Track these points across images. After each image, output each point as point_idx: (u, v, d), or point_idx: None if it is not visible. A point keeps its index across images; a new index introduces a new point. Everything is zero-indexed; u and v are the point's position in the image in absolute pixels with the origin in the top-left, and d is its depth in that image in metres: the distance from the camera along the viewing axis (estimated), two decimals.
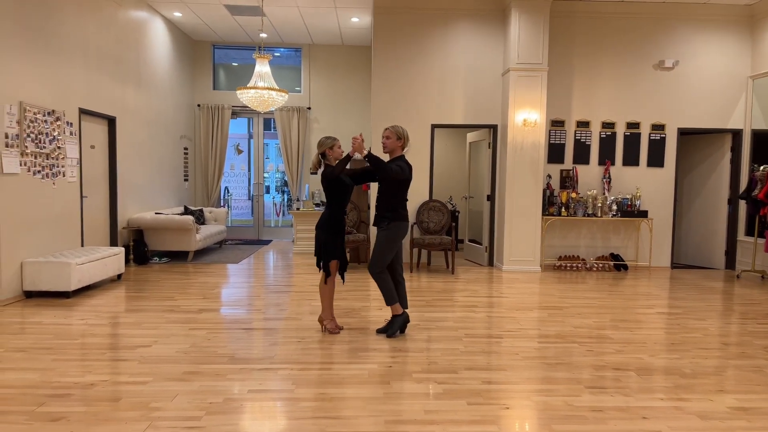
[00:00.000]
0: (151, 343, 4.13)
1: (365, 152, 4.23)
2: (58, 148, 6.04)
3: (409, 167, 4.43)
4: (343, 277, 4.59)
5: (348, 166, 4.42)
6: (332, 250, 4.38)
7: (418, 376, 3.55)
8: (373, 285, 6.41)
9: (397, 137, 4.43)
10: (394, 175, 4.26)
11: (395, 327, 4.39)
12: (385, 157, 4.52)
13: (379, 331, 4.48)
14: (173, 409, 2.98)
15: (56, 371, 3.51)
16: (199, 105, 10.49)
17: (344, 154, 4.36)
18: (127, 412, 2.92)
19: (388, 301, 4.40)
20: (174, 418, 2.86)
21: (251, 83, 8.04)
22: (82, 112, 6.56)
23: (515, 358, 3.95)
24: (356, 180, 4.53)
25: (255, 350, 4.02)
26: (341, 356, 3.92)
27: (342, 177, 4.34)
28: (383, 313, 5.12)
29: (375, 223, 4.49)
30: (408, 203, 4.44)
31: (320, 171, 4.48)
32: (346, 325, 4.72)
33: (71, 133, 6.31)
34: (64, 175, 6.17)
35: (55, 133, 5.97)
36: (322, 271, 4.45)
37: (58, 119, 6.01)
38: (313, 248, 4.66)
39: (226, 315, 5.07)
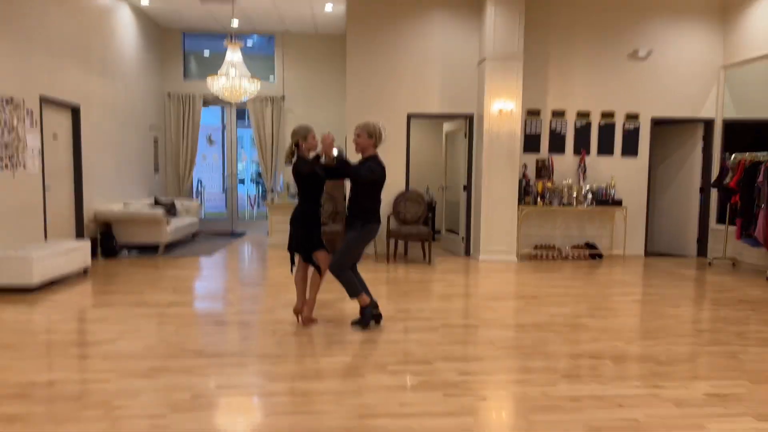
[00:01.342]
0: (116, 339, 3.97)
1: (334, 155, 4.07)
2: (18, 137, 5.78)
3: (381, 168, 4.21)
4: (319, 270, 4.36)
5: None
6: (316, 242, 4.25)
7: (393, 368, 3.47)
8: None
9: (368, 135, 4.20)
10: (362, 179, 4.13)
11: (367, 317, 4.24)
12: (358, 157, 4.33)
13: (354, 323, 4.33)
14: (136, 407, 2.84)
15: (14, 370, 3.34)
16: (169, 94, 10.20)
17: (313, 154, 4.21)
18: (87, 412, 2.77)
19: (352, 294, 4.24)
20: (137, 417, 2.73)
21: (222, 71, 7.83)
22: (44, 100, 6.29)
23: (492, 348, 3.90)
24: (329, 175, 4.30)
25: (225, 344, 3.89)
26: (314, 349, 3.82)
27: (316, 169, 4.17)
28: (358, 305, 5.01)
29: (347, 224, 4.31)
30: (384, 194, 4.32)
31: (294, 163, 4.30)
32: (320, 318, 4.61)
33: (32, 122, 6.04)
34: (24, 166, 5.91)
35: (14, 122, 5.71)
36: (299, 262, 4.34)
37: (17, 107, 5.75)
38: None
39: (197, 309, 4.93)
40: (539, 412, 2.87)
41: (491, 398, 3.03)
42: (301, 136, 4.16)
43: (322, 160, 4.19)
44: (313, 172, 4.15)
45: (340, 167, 4.11)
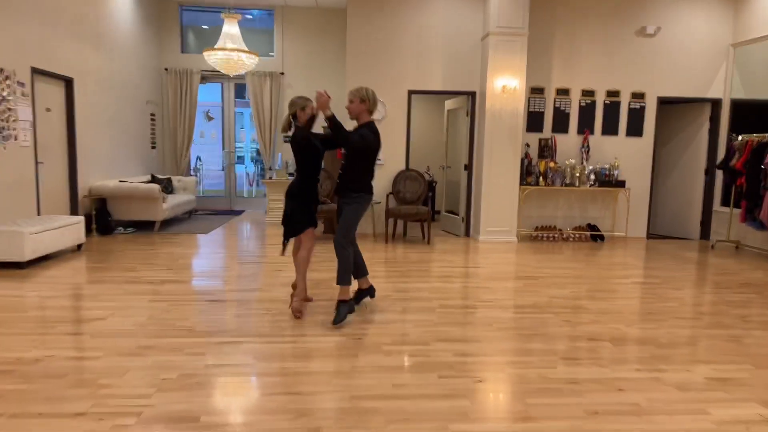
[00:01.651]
0: (106, 316, 3.89)
1: (329, 113, 3.75)
2: (9, 109, 5.64)
3: (375, 135, 3.97)
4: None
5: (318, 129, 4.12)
6: (303, 219, 4.03)
7: (388, 348, 3.39)
8: None
9: (361, 100, 3.93)
10: (353, 145, 3.86)
11: (342, 314, 3.85)
12: (353, 124, 4.08)
13: (334, 323, 3.84)
14: (122, 386, 2.77)
15: (1, 346, 3.26)
16: (166, 69, 10.00)
17: (308, 114, 3.97)
18: (71, 390, 2.70)
19: (343, 280, 3.92)
20: (122, 396, 2.65)
21: (219, 44, 7.65)
22: (35, 71, 6.13)
23: (489, 329, 3.81)
24: (326, 145, 4.12)
25: (217, 323, 3.81)
26: (308, 328, 3.74)
27: (313, 140, 3.99)
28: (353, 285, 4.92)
29: (338, 192, 4.06)
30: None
31: (291, 134, 4.10)
32: (316, 297, 4.53)
33: (23, 94, 5.90)
34: (15, 139, 5.79)
35: (5, 94, 5.57)
36: (293, 239, 4.15)
37: (7, 78, 5.60)
38: None
39: (190, 287, 4.84)
40: (537, 395, 2.79)
41: (488, 380, 2.95)
42: (299, 106, 3.95)
43: (319, 124, 3.94)
44: (310, 143, 3.95)
45: (333, 129, 3.78)
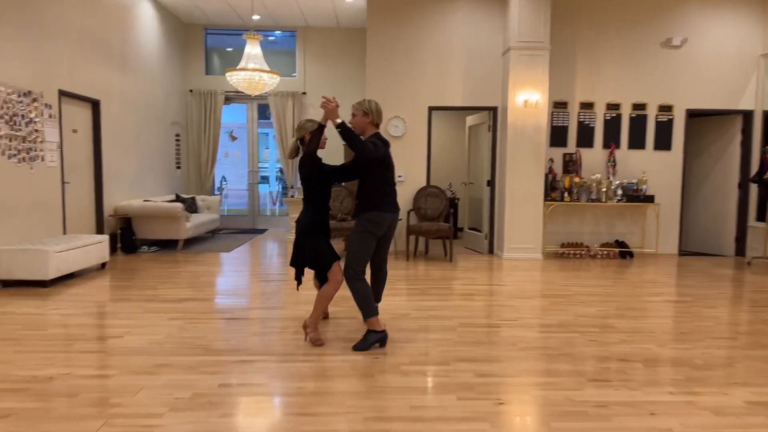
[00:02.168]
0: (123, 334, 3.87)
1: (338, 121, 3.54)
2: (36, 131, 5.77)
3: (385, 144, 3.75)
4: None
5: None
6: (327, 253, 3.73)
7: (406, 368, 3.28)
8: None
9: (364, 113, 3.72)
10: (368, 156, 3.59)
11: (370, 342, 3.62)
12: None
13: (355, 347, 3.65)
14: (134, 405, 2.72)
15: (15, 364, 3.26)
16: (191, 90, 10.19)
17: (315, 124, 3.68)
18: (82, 409, 2.66)
19: (367, 314, 3.65)
20: (133, 416, 2.60)
21: (241, 65, 7.74)
22: (63, 94, 6.28)
23: (512, 349, 3.67)
24: (338, 176, 3.91)
25: (233, 341, 3.75)
26: (324, 347, 3.65)
27: (322, 165, 3.75)
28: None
29: (356, 215, 3.83)
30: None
31: (298, 159, 3.86)
32: (334, 315, 4.45)
33: (50, 116, 6.03)
34: (43, 160, 5.90)
35: (32, 116, 5.70)
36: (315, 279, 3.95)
37: (35, 100, 5.74)
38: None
39: (209, 305, 4.81)
40: (562, 418, 2.64)
41: (510, 402, 2.81)
42: (307, 130, 3.73)
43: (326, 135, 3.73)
44: (317, 164, 3.72)
45: (346, 137, 3.51)
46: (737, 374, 3.26)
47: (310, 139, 3.66)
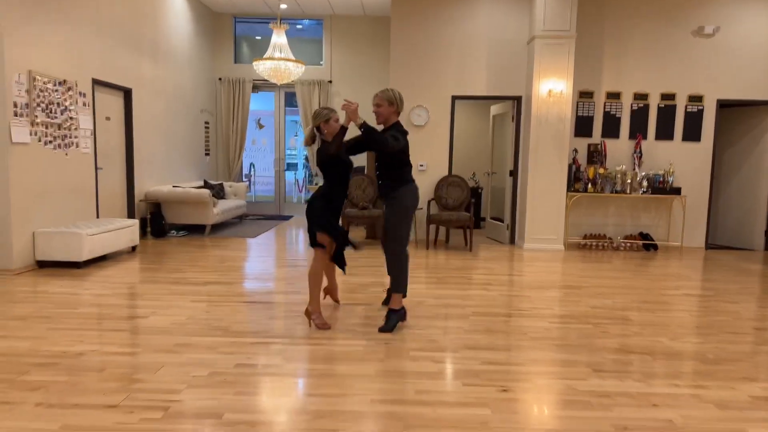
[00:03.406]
0: (149, 315, 4.07)
1: (360, 121, 3.70)
2: (71, 118, 6.02)
3: (404, 134, 3.92)
4: (342, 266, 4.03)
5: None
6: (323, 221, 3.79)
7: (416, 354, 3.37)
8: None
9: (389, 102, 3.87)
10: (390, 149, 3.77)
11: (393, 323, 3.83)
12: (379, 128, 4.01)
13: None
14: (155, 381, 2.88)
15: (48, 340, 3.47)
16: (220, 78, 10.39)
17: (339, 128, 3.78)
18: (107, 383, 2.83)
19: (399, 288, 3.90)
20: (153, 391, 2.76)
21: (267, 54, 7.88)
22: (96, 82, 6.52)
23: (522, 339, 3.73)
24: (350, 151, 4.01)
25: (252, 324, 3.91)
26: (338, 332, 3.77)
27: (341, 156, 3.85)
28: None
29: (380, 194, 4.05)
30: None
31: (315, 147, 4.00)
32: (352, 301, 4.58)
33: (84, 104, 6.27)
34: (77, 146, 6.16)
35: (67, 104, 5.94)
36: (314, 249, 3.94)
37: (69, 89, 5.97)
38: None
39: (232, 288, 4.98)
40: (563, 407, 2.70)
41: (513, 390, 2.88)
42: (323, 118, 3.80)
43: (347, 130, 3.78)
44: (338, 159, 3.82)
45: (366, 134, 3.73)
46: (747, 369, 3.25)
47: (332, 141, 3.73)
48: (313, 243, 3.90)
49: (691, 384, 3.00)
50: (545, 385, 2.96)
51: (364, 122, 3.73)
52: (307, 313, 3.88)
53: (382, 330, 3.77)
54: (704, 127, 7.67)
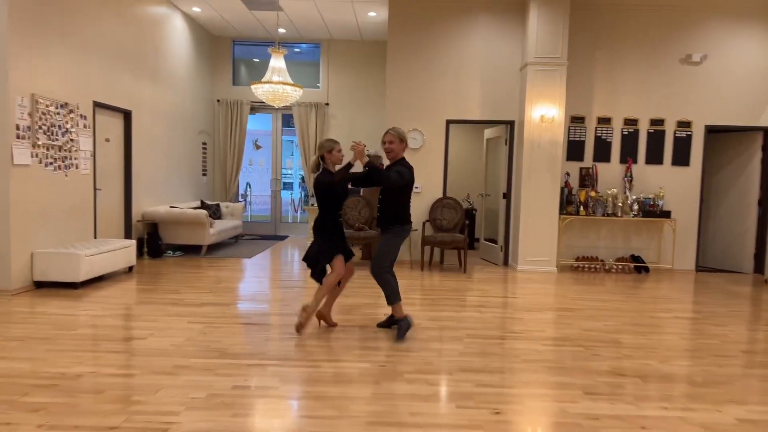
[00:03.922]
0: (146, 336, 4.11)
1: (366, 160, 4.11)
2: (71, 140, 6.11)
3: (410, 170, 4.29)
4: (320, 279, 4.36)
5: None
6: (330, 250, 4.24)
7: (410, 376, 3.43)
8: None
9: (400, 140, 4.31)
10: (393, 184, 4.15)
11: (404, 329, 4.22)
12: (386, 162, 4.43)
13: (380, 325, 4.51)
14: (154, 403, 2.93)
15: (47, 361, 3.51)
16: (218, 100, 10.54)
17: (344, 163, 4.24)
18: (107, 405, 2.88)
19: (392, 300, 4.26)
20: (152, 413, 2.81)
21: (266, 78, 8.03)
22: (97, 105, 6.62)
23: (515, 361, 3.79)
24: (356, 184, 4.40)
25: (249, 345, 3.96)
26: (335, 354, 3.83)
27: (337, 188, 4.23)
28: (388, 311, 4.99)
29: (379, 226, 4.38)
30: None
31: (317, 175, 4.36)
32: (347, 322, 4.64)
33: (85, 126, 6.37)
34: (77, 168, 6.24)
35: (68, 126, 6.03)
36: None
37: (71, 112, 6.08)
38: None
39: (228, 309, 5.03)
40: (553, 429, 2.76)
41: (505, 412, 2.94)
42: (327, 149, 4.25)
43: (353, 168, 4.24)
44: (333, 190, 4.19)
45: (373, 175, 4.16)
46: (734, 392, 3.33)
47: (338, 172, 4.18)
48: (319, 279, 4.31)
49: (679, 407, 3.08)
50: (537, 408, 3.02)
51: (370, 161, 4.11)
52: (318, 316, 4.43)
53: (398, 338, 4.16)
54: (693, 152, 7.84)
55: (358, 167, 4.34)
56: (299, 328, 4.21)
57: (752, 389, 3.39)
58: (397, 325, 4.26)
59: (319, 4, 8.41)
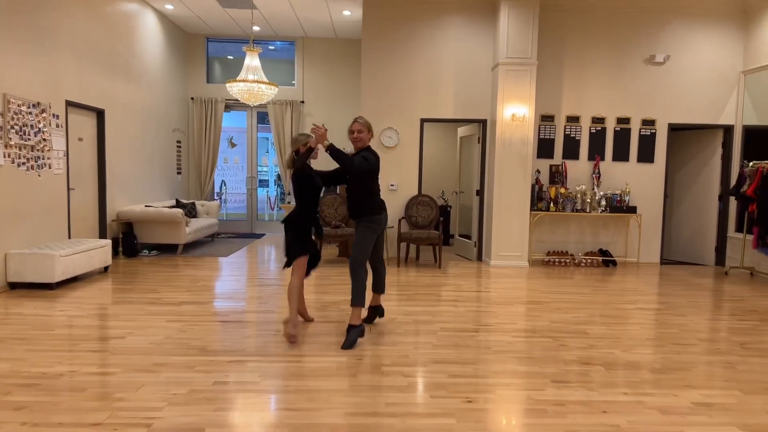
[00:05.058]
0: (125, 335, 4.16)
1: (327, 143, 3.94)
2: (44, 140, 6.07)
3: (376, 157, 4.22)
4: (308, 272, 4.37)
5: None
6: (299, 247, 4.18)
7: (387, 369, 3.57)
8: None
9: (368, 129, 4.24)
10: (358, 169, 4.04)
11: (352, 339, 4.01)
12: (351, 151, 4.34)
13: (344, 347, 4.01)
14: (136, 399, 3.00)
15: (27, 362, 3.55)
16: (192, 98, 10.50)
17: (305, 147, 4.07)
18: (89, 402, 2.94)
19: (356, 301, 4.09)
20: (135, 409, 2.88)
21: (241, 76, 8.05)
22: (69, 104, 6.58)
23: (486, 353, 3.96)
24: (326, 181, 4.36)
25: (228, 342, 4.04)
26: (313, 349, 3.94)
27: (313, 177, 4.20)
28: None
29: (352, 217, 4.33)
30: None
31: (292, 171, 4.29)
32: (324, 318, 4.75)
33: (57, 126, 6.33)
34: (50, 167, 6.20)
35: (41, 125, 5.99)
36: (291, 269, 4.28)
37: (43, 111, 6.03)
38: None
39: (207, 308, 5.09)
40: (522, 415, 2.93)
41: (477, 401, 3.10)
42: (301, 143, 4.17)
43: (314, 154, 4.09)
44: (308, 178, 4.14)
45: (333, 156, 3.92)
46: (690, 377, 3.55)
47: (298, 159, 4.09)
48: (289, 264, 4.23)
49: (638, 392, 3.27)
50: (507, 396, 3.18)
51: (331, 144, 3.98)
52: (285, 323, 4.21)
53: (344, 347, 3.96)
54: (657, 149, 8.13)
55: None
56: (292, 339, 4.02)
57: (707, 375, 3.62)
58: (347, 331, 4.07)
59: (294, 3, 8.46)
